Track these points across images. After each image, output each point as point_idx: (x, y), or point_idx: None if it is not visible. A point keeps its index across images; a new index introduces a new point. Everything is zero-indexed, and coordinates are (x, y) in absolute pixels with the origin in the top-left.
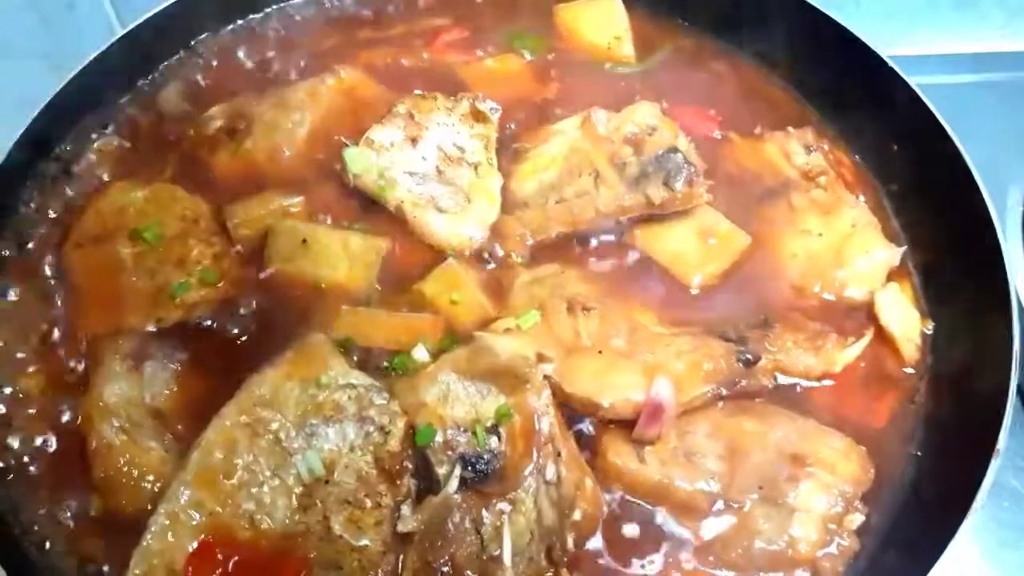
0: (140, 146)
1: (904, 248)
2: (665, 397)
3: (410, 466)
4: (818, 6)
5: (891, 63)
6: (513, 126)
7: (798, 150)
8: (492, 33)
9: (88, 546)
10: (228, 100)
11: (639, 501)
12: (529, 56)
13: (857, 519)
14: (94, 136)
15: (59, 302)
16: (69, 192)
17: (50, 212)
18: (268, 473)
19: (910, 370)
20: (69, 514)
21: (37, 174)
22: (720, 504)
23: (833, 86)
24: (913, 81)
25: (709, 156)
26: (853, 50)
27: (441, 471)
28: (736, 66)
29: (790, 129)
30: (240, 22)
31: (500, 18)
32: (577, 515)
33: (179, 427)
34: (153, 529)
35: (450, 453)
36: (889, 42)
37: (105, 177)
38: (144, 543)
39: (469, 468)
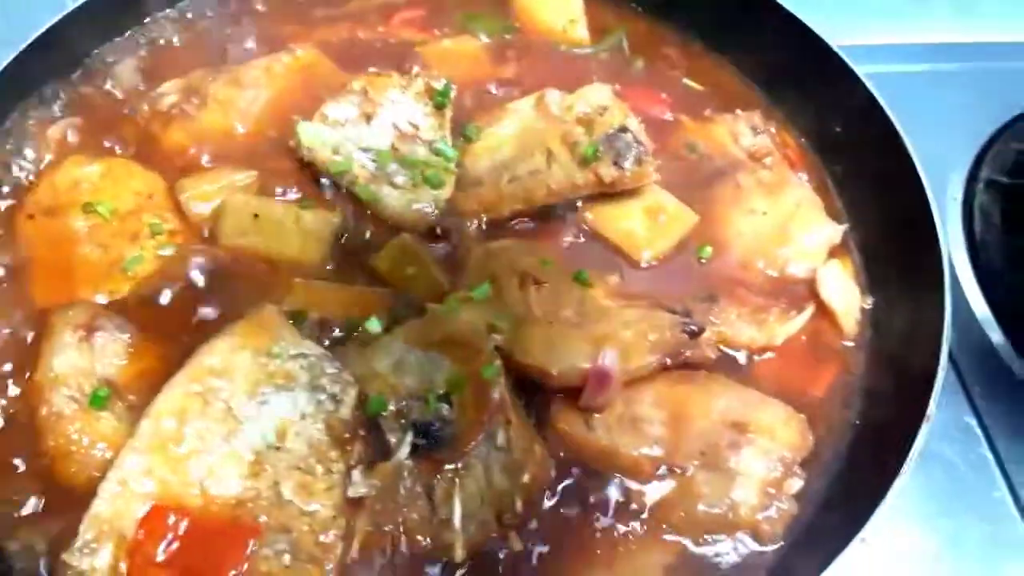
0: (93, 121)
1: (846, 226)
2: (611, 365)
3: (362, 433)
4: None
5: (837, 49)
6: (468, 105)
7: (746, 132)
8: (449, 13)
9: (39, 516)
10: (182, 77)
11: (587, 466)
12: (485, 38)
13: (796, 484)
14: (45, 110)
15: (9, 273)
16: (21, 165)
17: (2, 186)
18: (219, 440)
19: (849, 343)
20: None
21: None
22: (664, 469)
23: (780, 71)
24: (862, 70)
25: (659, 137)
26: (800, 36)
27: (393, 438)
28: (687, 51)
29: (738, 112)
30: None
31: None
32: (526, 478)
33: (131, 397)
34: (103, 495)
35: (403, 421)
36: (840, 31)
37: (58, 151)
38: (94, 509)
39: (420, 435)
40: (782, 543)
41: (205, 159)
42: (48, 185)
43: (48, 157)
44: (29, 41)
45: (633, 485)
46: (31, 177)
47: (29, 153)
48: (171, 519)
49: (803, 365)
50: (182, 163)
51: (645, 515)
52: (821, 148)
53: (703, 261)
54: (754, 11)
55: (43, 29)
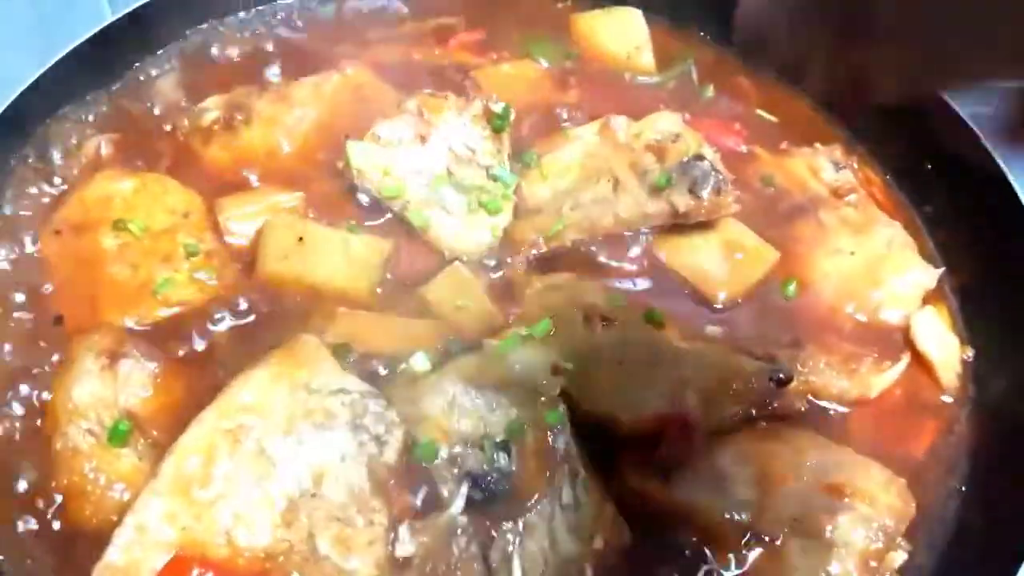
0: (130, 135)
1: (942, 269)
2: (692, 414)
3: (409, 482)
4: None
5: None
6: (526, 132)
7: (826, 166)
8: (507, 38)
9: (47, 560)
10: (226, 93)
11: (661, 530)
12: (546, 63)
13: (899, 557)
14: (81, 122)
15: (32, 292)
16: (53, 179)
17: (32, 198)
18: (250, 484)
19: (948, 398)
20: (25, 526)
21: (20, 158)
22: (750, 536)
23: (861, 102)
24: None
25: (732, 169)
26: None
27: (445, 490)
28: (759, 81)
29: (818, 145)
30: (243, 14)
31: (516, 23)
32: (598, 543)
33: (154, 433)
34: (118, 542)
35: (455, 471)
36: None
37: (91, 166)
38: (107, 558)
39: (477, 487)
40: None
41: (247, 179)
42: (78, 200)
43: (80, 171)
44: (67, 51)
45: (715, 553)
46: (62, 192)
47: (61, 166)
48: (195, 573)
49: (899, 422)
50: (222, 182)
51: None
52: (910, 186)
53: (788, 300)
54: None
55: (83, 39)
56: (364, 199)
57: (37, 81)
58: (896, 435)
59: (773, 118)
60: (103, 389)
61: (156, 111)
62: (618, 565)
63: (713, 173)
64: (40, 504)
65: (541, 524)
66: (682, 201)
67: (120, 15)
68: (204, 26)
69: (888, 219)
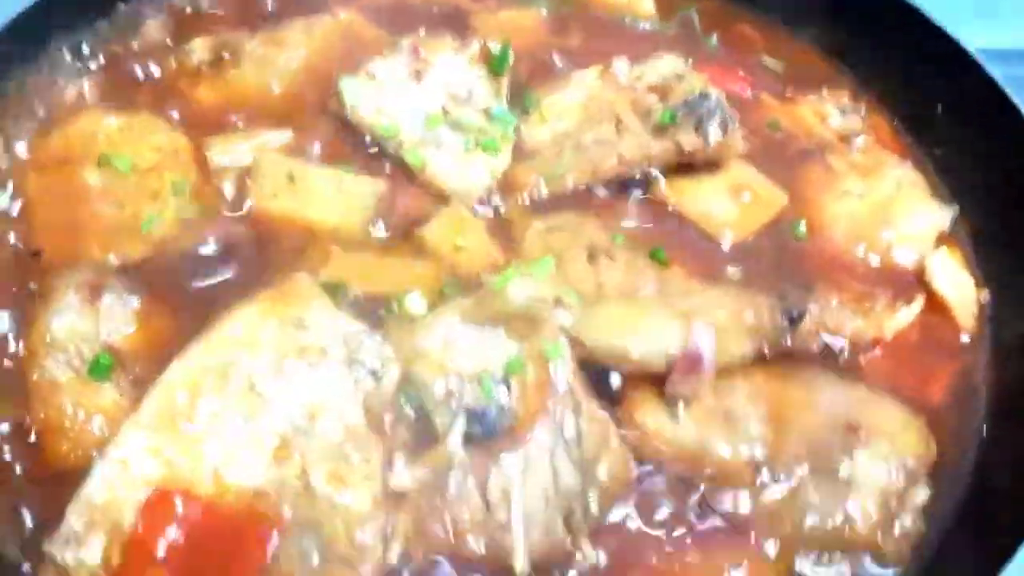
0: (117, 75)
1: (956, 208)
2: (706, 346)
3: (406, 416)
4: None
5: (938, 23)
6: (525, 76)
7: (833, 112)
8: None
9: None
10: (214, 35)
11: (671, 467)
12: (544, 10)
13: (921, 495)
14: (66, 61)
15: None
16: (37, 116)
17: (14, 133)
18: (239, 420)
19: (966, 339)
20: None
21: (2, 95)
22: (766, 474)
23: (870, 50)
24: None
25: (739, 116)
26: (893, 11)
27: (442, 424)
28: (763, 28)
29: (824, 92)
30: None
31: None
32: (603, 474)
33: (137, 369)
34: (97, 476)
35: (453, 405)
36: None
37: (76, 105)
38: (85, 491)
39: (475, 423)
40: (908, 567)
41: (236, 119)
42: (61, 136)
43: (64, 110)
44: None
45: (728, 492)
46: (46, 126)
47: (45, 105)
48: (178, 507)
49: (916, 364)
50: (210, 122)
51: (743, 528)
52: (919, 131)
53: (797, 241)
54: None
55: None
56: (357, 138)
57: (20, 17)
58: (913, 377)
59: (778, 65)
60: (83, 323)
61: (142, 51)
62: (624, 501)
63: (720, 110)
64: (15, 440)
65: (542, 458)
66: (688, 139)
67: None
68: None
69: (897, 160)
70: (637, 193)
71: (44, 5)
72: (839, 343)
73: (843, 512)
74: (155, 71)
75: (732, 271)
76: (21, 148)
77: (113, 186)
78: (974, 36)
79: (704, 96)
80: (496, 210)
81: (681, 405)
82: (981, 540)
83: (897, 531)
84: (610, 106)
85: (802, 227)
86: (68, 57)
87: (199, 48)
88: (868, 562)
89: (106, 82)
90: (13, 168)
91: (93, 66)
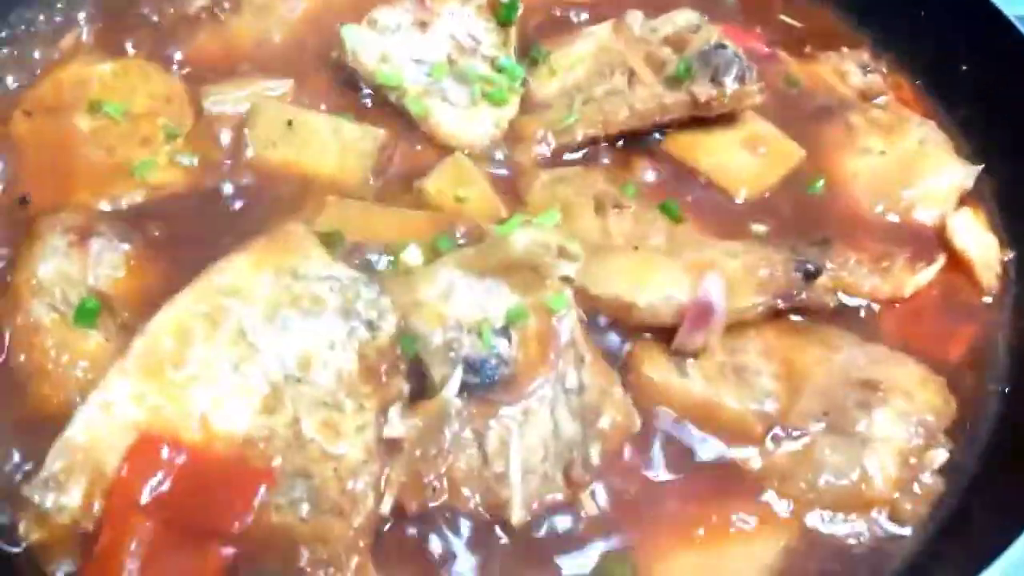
0: (112, 22)
1: (980, 167)
2: (716, 297)
3: (402, 367)
4: None
5: None
6: (534, 31)
7: (854, 70)
8: None
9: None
10: None
11: (679, 422)
12: None
13: (940, 454)
14: (60, 8)
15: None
16: (29, 61)
17: (4, 79)
18: (227, 368)
19: (988, 299)
20: None
21: None
22: (778, 430)
23: (892, 9)
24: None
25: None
26: None
27: (438, 374)
28: None
29: (844, 49)
30: None
31: None
32: (605, 422)
33: (125, 314)
34: (79, 420)
35: (451, 355)
36: None
37: (69, 52)
38: (67, 434)
39: (472, 373)
40: (926, 527)
41: (234, 68)
42: (52, 81)
43: (57, 53)
44: None
45: (738, 448)
46: (37, 71)
47: (38, 51)
48: (164, 453)
49: (936, 323)
50: (207, 70)
51: (754, 486)
52: (943, 90)
53: (814, 197)
54: None
55: None
56: (358, 88)
57: None
58: (933, 336)
59: (798, 24)
60: (70, 267)
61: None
62: (628, 452)
63: (737, 59)
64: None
65: (542, 410)
66: (703, 90)
67: None
68: None
69: (920, 118)
70: (649, 146)
71: None
72: (856, 301)
73: (860, 470)
74: (153, 18)
75: (746, 227)
76: (11, 93)
77: (104, 131)
78: None
79: (721, 47)
80: (501, 162)
81: (689, 361)
82: (1001, 499)
83: (916, 490)
84: (622, 58)
85: (819, 183)
86: (63, 4)
87: None
88: (884, 520)
89: (102, 29)
90: (2, 114)
91: (88, 13)
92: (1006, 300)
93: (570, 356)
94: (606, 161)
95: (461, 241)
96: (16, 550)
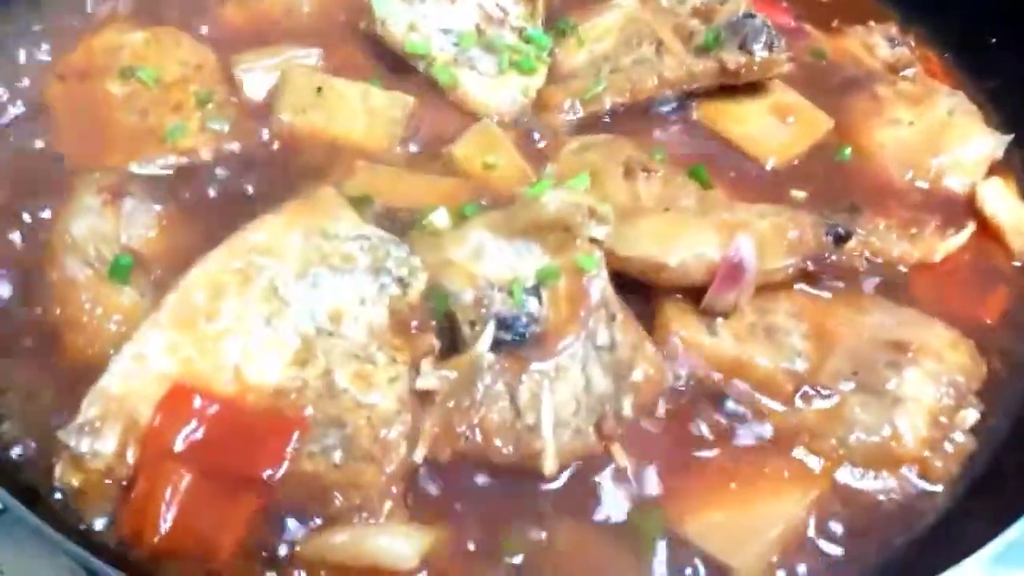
0: None
1: (1011, 136)
2: (747, 255)
3: (433, 322)
4: None
5: None
6: (561, 4)
7: (881, 43)
8: None
9: (39, 390)
10: None
11: (710, 379)
12: None
13: (972, 414)
14: None
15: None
16: (61, 29)
17: (39, 43)
18: (260, 322)
19: (1020, 264)
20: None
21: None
22: (808, 388)
23: None
24: None
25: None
26: None
27: (470, 329)
28: None
29: (872, 23)
30: None
31: None
32: (638, 375)
33: (158, 271)
34: (114, 369)
35: (483, 311)
36: None
37: (102, 17)
38: (101, 383)
39: (504, 330)
40: (956, 485)
41: (264, 37)
42: (85, 47)
43: (89, 21)
44: None
45: (769, 404)
46: (69, 42)
47: (71, 18)
48: (196, 402)
49: (968, 288)
50: (238, 39)
51: (784, 442)
52: (971, 63)
53: (843, 165)
54: None
55: None
56: (387, 57)
57: None
58: (965, 300)
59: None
60: (103, 224)
61: None
62: (659, 406)
63: (765, 28)
64: (35, 337)
65: (574, 366)
66: (732, 58)
67: None
68: None
69: (949, 89)
70: (677, 114)
71: None
72: (886, 265)
73: (890, 428)
74: None
75: (775, 194)
76: (45, 57)
77: (137, 96)
78: None
79: (749, 15)
80: (529, 129)
81: (719, 320)
82: None
83: (947, 448)
84: (651, 28)
85: (847, 152)
86: None
87: None
88: (915, 477)
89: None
90: (38, 77)
91: None
92: None
93: (601, 315)
94: (635, 127)
95: (488, 206)
96: (56, 496)
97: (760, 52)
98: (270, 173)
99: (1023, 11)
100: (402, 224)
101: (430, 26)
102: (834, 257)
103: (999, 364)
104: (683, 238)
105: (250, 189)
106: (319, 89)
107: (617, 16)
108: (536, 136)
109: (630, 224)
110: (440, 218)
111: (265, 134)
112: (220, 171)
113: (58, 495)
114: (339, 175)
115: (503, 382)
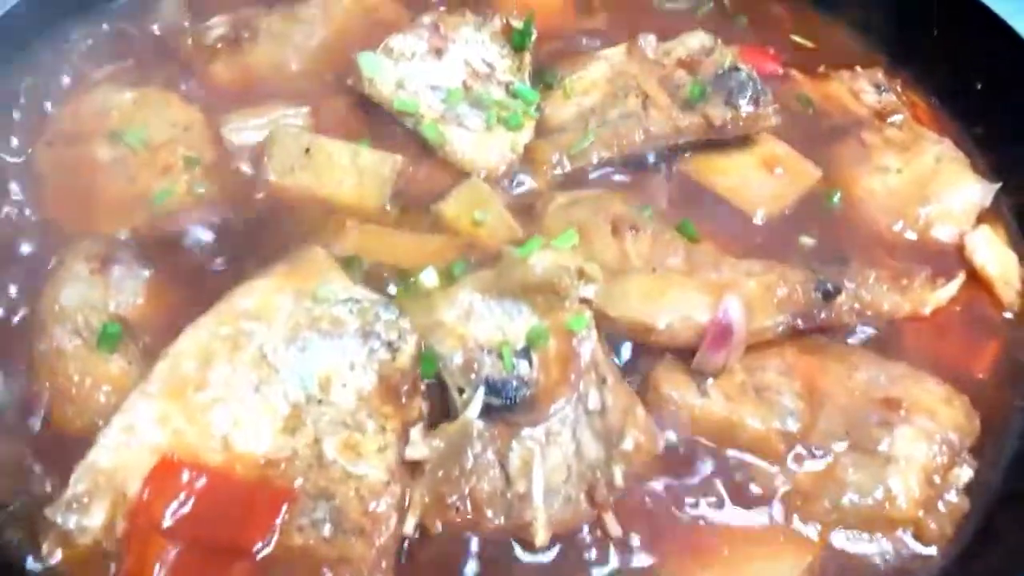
0: (132, 53)
1: (999, 185)
2: (735, 317)
3: (422, 387)
4: None
5: None
6: (548, 57)
7: (868, 89)
8: None
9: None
10: (232, 12)
11: (701, 442)
12: None
13: (966, 473)
14: (80, 39)
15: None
16: (50, 90)
17: (24, 107)
18: (249, 389)
19: (1010, 315)
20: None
21: (16, 73)
22: (800, 448)
23: (905, 27)
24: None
25: (770, 91)
26: None
27: (460, 395)
28: (793, 7)
29: (858, 69)
30: None
31: None
32: (628, 444)
33: (146, 339)
34: (103, 442)
35: (472, 376)
36: None
37: (88, 81)
38: (90, 457)
39: (494, 394)
40: (951, 545)
41: (252, 97)
42: (72, 112)
43: (79, 83)
44: None
45: (762, 466)
46: (56, 105)
47: (58, 81)
48: (185, 476)
49: (958, 341)
50: (226, 99)
51: (776, 505)
52: (958, 108)
53: (832, 214)
54: None
55: None
56: (375, 114)
57: None
58: (955, 353)
59: (810, 44)
60: (92, 293)
61: (159, 31)
62: (651, 473)
63: (751, 83)
64: (22, 408)
65: (565, 431)
66: (718, 113)
67: None
68: None
69: (936, 136)
70: (661, 169)
71: None
72: (876, 319)
73: (883, 489)
74: (172, 49)
75: (764, 247)
76: (34, 121)
77: (124, 160)
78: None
79: (735, 69)
80: (517, 185)
81: (709, 381)
82: None
83: (941, 508)
84: (637, 81)
85: (836, 199)
86: (83, 37)
87: (217, 25)
88: (909, 539)
89: (121, 60)
90: (26, 141)
91: (108, 44)
92: None
93: (591, 377)
94: (622, 181)
95: (477, 264)
96: (39, 567)
97: (746, 107)
98: (259, 235)
99: (1007, 57)
100: (392, 283)
101: (418, 83)
102: (824, 315)
103: (991, 419)
104: (671, 300)
105: (239, 252)
106: (307, 150)
107: (603, 68)
108: (524, 192)
109: (618, 284)
110: (429, 278)
111: (254, 196)
112: (208, 234)
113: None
114: (329, 235)
115: (493, 450)
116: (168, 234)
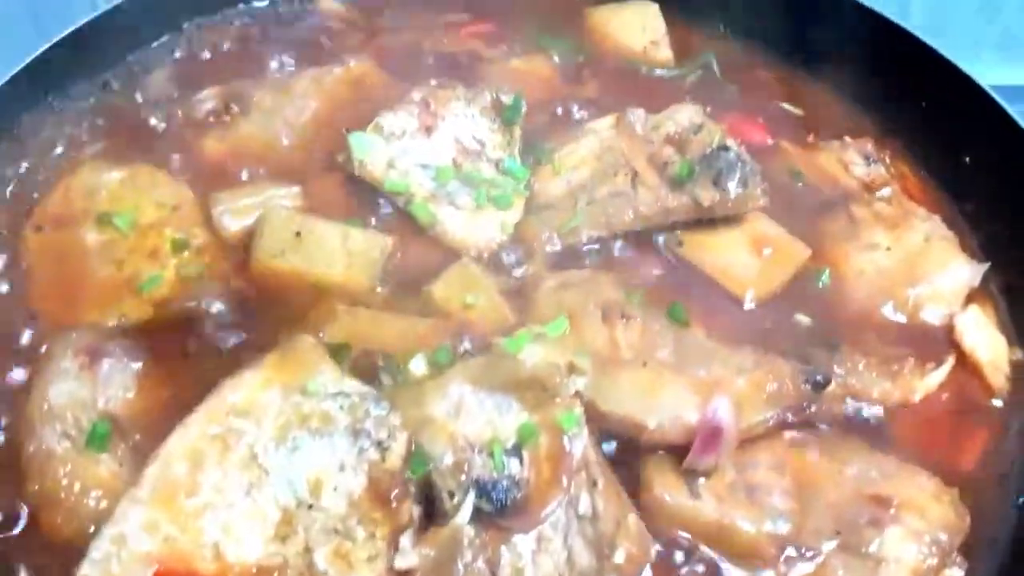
0: (119, 127)
1: (987, 265)
2: (724, 419)
3: (412, 490)
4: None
5: (963, 68)
6: (538, 128)
7: (857, 160)
8: (519, 29)
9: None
10: (222, 85)
11: (692, 544)
12: (557, 59)
13: (956, 574)
14: (67, 113)
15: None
16: (38, 167)
17: (11, 186)
18: (240, 493)
19: (999, 402)
20: None
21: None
22: (791, 551)
23: (894, 97)
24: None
25: (759, 164)
26: (917, 56)
27: (450, 499)
28: (783, 76)
29: (847, 139)
30: (242, 5)
31: (528, 16)
32: (619, 557)
33: (136, 437)
34: (94, 555)
35: (462, 477)
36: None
37: (76, 158)
38: (81, 571)
39: (484, 497)
40: None
41: (243, 173)
42: (61, 192)
43: (66, 160)
44: (56, 39)
45: (752, 570)
46: (47, 179)
47: (45, 158)
48: None
49: (947, 429)
50: (215, 175)
51: None
52: (948, 182)
53: (821, 295)
54: (858, 31)
55: (72, 28)
56: (366, 193)
57: (23, 70)
58: (944, 442)
59: (799, 111)
60: (81, 390)
61: (147, 103)
62: None
63: (739, 164)
64: (8, 515)
65: (556, 537)
66: (706, 194)
67: (111, 5)
68: (200, 18)
69: (925, 213)
70: (654, 248)
71: (47, 58)
72: (866, 409)
73: None
74: (161, 123)
75: (754, 331)
76: (20, 204)
77: (112, 245)
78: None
79: (724, 148)
80: (507, 266)
81: (701, 480)
82: None
83: None
84: (626, 158)
85: (825, 276)
86: (70, 111)
87: (207, 98)
88: None
89: (110, 135)
90: (11, 227)
91: (97, 119)
92: (1016, 402)
93: (582, 478)
94: (612, 260)
95: (467, 349)
96: None
97: (735, 189)
98: (248, 320)
99: (994, 132)
100: (381, 371)
101: (408, 162)
102: (814, 407)
103: (981, 513)
104: (661, 398)
105: (228, 339)
106: (297, 233)
107: (593, 143)
108: (515, 271)
109: (610, 377)
110: (417, 366)
111: (243, 279)
112: (198, 321)
113: None
114: (318, 319)
115: (484, 559)
116: (157, 321)
